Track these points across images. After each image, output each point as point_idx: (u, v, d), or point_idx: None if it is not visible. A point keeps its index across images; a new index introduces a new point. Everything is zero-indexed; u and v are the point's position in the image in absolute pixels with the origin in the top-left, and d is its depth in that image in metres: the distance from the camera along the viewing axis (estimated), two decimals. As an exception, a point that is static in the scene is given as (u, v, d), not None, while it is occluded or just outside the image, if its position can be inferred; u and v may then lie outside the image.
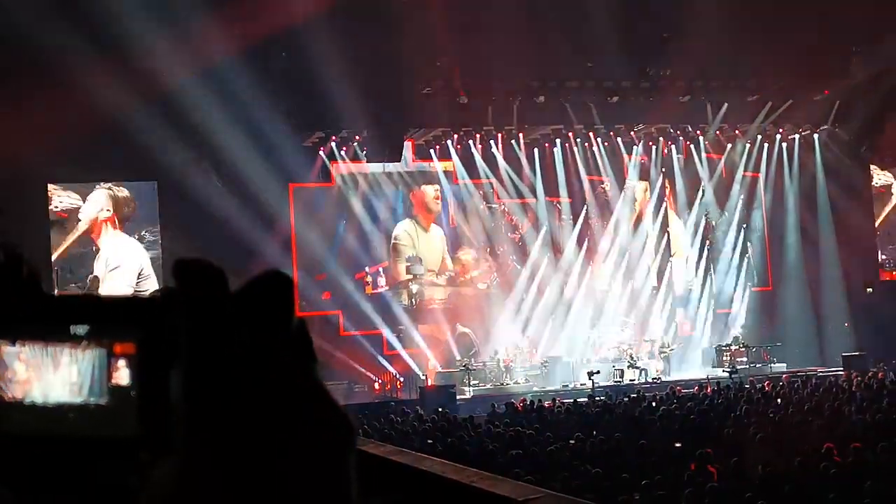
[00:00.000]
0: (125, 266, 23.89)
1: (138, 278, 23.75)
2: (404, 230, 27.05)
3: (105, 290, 22.85)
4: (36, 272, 0.78)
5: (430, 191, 27.26)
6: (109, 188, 24.01)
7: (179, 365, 0.70)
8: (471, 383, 24.19)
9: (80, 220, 23.82)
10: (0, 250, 0.77)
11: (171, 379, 0.71)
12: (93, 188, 23.94)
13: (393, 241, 26.87)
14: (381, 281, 26.66)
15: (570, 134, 27.72)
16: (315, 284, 25.28)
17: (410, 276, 26.92)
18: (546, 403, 18.78)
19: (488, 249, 27.55)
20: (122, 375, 0.74)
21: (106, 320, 0.75)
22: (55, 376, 0.74)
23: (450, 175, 27.32)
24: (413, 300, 26.89)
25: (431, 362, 26.02)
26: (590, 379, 22.88)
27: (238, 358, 0.69)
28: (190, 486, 0.67)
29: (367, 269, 26.46)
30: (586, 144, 28.09)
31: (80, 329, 0.74)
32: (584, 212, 28.40)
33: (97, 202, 23.97)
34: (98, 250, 23.95)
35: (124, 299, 0.76)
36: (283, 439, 0.68)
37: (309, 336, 0.74)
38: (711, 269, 29.51)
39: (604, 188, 28.72)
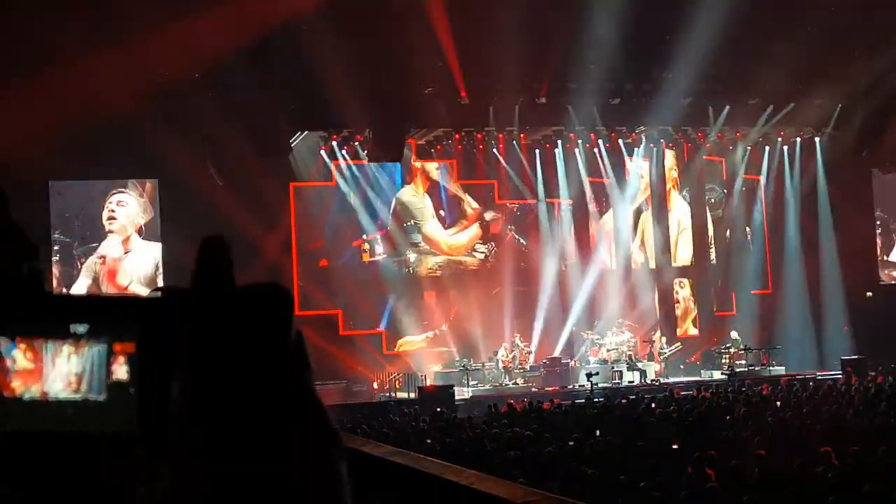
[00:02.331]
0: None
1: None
2: (405, 196, 27.00)
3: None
4: (38, 271, 0.78)
5: (431, 166, 27.29)
6: (140, 194, 24.24)
7: (178, 366, 0.71)
8: (469, 384, 24.19)
9: (119, 225, 24.01)
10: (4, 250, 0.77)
11: (170, 380, 0.71)
12: (101, 186, 24.04)
13: (394, 207, 26.80)
14: (379, 249, 26.66)
15: (572, 135, 27.72)
16: (315, 280, 25.31)
17: (408, 245, 26.90)
18: (544, 404, 18.78)
19: (487, 219, 27.59)
20: (122, 373, 0.74)
21: (106, 319, 0.75)
22: (55, 373, 0.74)
23: (451, 175, 27.34)
24: (410, 269, 26.88)
25: (431, 364, 26.06)
26: (588, 380, 22.87)
27: (235, 365, 0.70)
28: (186, 491, 0.68)
29: (364, 236, 26.46)
30: (587, 146, 28.10)
31: (80, 328, 0.75)
32: (584, 213, 28.41)
33: (134, 207, 24.18)
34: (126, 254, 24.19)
35: (124, 299, 0.76)
36: (274, 447, 0.69)
37: (305, 347, 0.74)
38: (711, 272, 29.50)
39: (605, 189, 28.75)
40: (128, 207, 24.16)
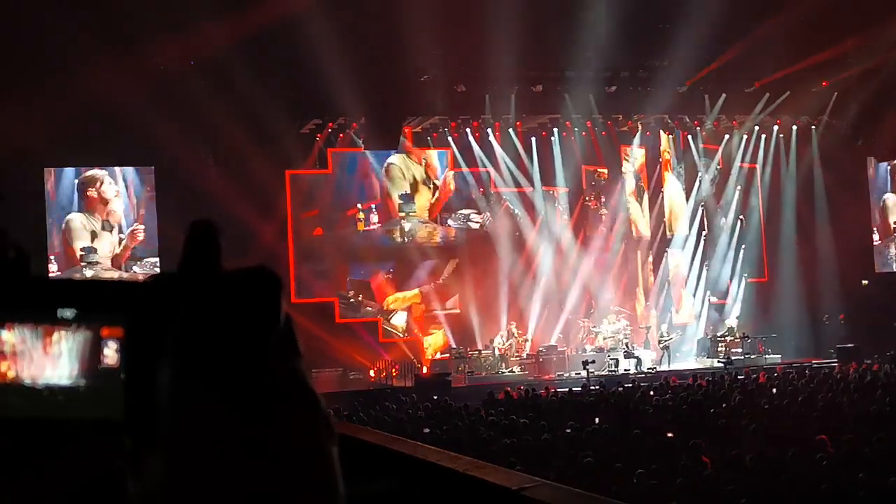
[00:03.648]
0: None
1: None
2: (396, 163, 26.79)
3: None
4: (25, 255, 0.77)
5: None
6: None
7: (167, 352, 0.70)
8: (466, 372, 24.21)
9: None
10: None
11: (159, 365, 0.70)
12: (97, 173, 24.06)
13: (384, 172, 26.66)
14: (374, 218, 26.61)
15: (568, 123, 27.69)
16: (309, 252, 25.36)
17: (403, 214, 26.89)
18: (541, 392, 18.81)
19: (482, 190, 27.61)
20: (111, 359, 0.73)
21: (94, 304, 0.74)
22: (45, 359, 0.73)
23: (446, 163, 27.30)
24: (405, 238, 26.87)
25: (428, 345, 26.13)
26: (585, 368, 22.92)
27: (225, 350, 0.69)
28: (178, 478, 0.67)
29: (359, 205, 26.42)
30: (584, 134, 28.07)
31: (69, 312, 0.74)
32: (580, 201, 28.39)
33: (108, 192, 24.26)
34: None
35: (113, 283, 0.75)
36: (265, 433, 0.68)
37: (294, 332, 0.73)
38: (707, 260, 29.52)
39: (601, 178, 28.72)
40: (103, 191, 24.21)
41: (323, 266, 25.66)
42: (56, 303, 0.74)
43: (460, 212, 27.41)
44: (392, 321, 26.39)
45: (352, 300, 26.02)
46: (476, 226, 27.47)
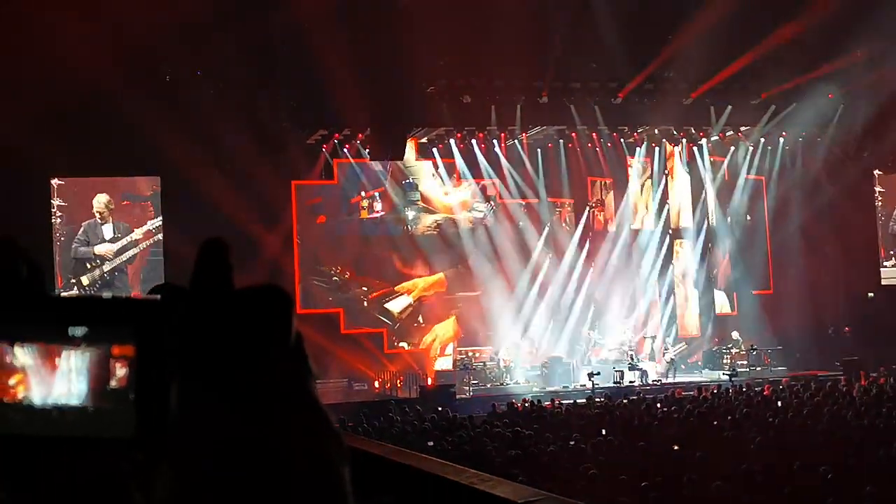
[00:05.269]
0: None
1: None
2: (401, 163, 26.83)
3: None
4: (39, 271, 0.78)
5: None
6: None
7: (177, 369, 0.70)
8: (471, 383, 24.18)
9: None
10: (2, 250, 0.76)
11: (170, 383, 0.71)
12: (103, 183, 24.08)
13: (392, 164, 26.66)
14: (378, 206, 26.61)
15: (573, 134, 27.70)
16: (314, 282, 25.36)
17: (406, 202, 26.85)
18: (546, 404, 18.77)
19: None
20: (121, 377, 0.73)
21: (104, 322, 0.74)
22: (55, 378, 0.73)
23: (452, 174, 27.31)
24: (408, 227, 26.87)
25: (436, 335, 26.16)
26: (590, 380, 22.89)
27: (233, 368, 0.69)
28: (185, 496, 0.68)
29: (362, 193, 26.44)
30: (589, 145, 28.08)
31: (79, 330, 0.74)
32: (586, 212, 28.39)
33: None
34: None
35: (123, 300, 0.75)
36: (276, 452, 0.69)
37: (304, 350, 0.74)
38: (713, 271, 29.48)
39: (607, 189, 28.72)
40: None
41: (326, 254, 25.69)
42: (66, 320, 0.75)
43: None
44: (386, 306, 26.35)
45: (336, 278, 25.97)
46: (480, 215, 27.39)
